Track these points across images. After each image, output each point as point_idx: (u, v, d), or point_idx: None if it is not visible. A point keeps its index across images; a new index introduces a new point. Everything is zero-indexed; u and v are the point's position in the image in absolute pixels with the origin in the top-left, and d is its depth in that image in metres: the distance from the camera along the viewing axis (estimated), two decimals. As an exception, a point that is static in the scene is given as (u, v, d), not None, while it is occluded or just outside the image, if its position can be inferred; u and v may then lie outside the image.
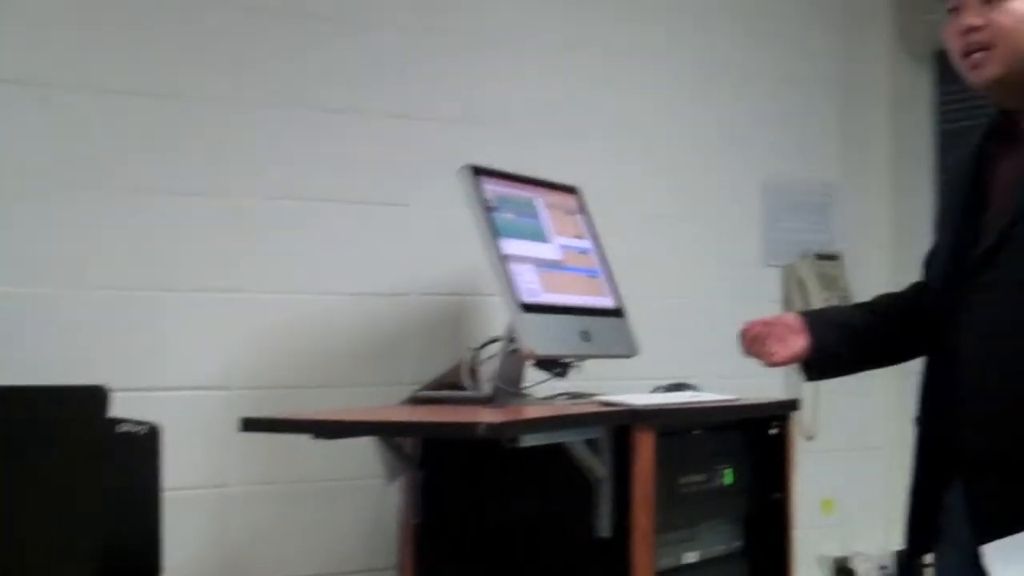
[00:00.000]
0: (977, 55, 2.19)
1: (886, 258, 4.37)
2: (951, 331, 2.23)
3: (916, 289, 2.50)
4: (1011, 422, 2.13)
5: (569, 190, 3.35)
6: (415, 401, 3.12)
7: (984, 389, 2.16)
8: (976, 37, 2.18)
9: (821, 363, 2.46)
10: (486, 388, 3.04)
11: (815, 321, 2.45)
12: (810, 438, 4.02)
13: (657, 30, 3.95)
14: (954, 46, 2.24)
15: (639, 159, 3.86)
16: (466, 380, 3.07)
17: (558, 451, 2.68)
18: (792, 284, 4.17)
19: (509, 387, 3.02)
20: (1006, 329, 2.15)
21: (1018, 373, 2.12)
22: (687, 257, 3.95)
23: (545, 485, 2.87)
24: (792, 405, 3.26)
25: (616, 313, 3.27)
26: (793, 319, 2.45)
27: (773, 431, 3.16)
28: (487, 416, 2.60)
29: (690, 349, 3.70)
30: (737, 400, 3.08)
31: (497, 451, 2.56)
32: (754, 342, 2.46)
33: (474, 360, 3.11)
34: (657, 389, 3.21)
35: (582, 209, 3.35)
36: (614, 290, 3.29)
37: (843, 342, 2.45)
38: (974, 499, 2.17)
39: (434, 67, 3.45)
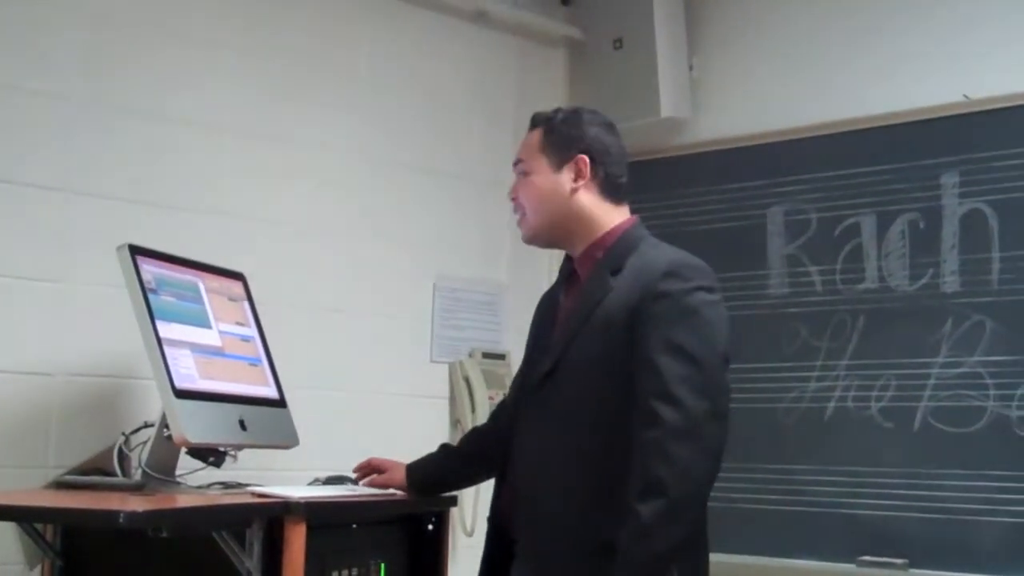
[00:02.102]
0: (519, 216, 2.76)
1: (551, 360, 4.46)
2: (513, 443, 2.70)
3: (499, 411, 3.08)
4: (539, 518, 2.58)
5: (235, 276, 3.31)
6: (60, 486, 2.99)
7: (527, 490, 2.63)
8: (515, 204, 2.76)
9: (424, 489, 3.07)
10: (136, 475, 2.94)
11: (416, 467, 3.06)
12: (469, 534, 4.05)
13: (335, 124, 3.97)
14: None
15: (310, 250, 3.85)
16: (115, 466, 2.97)
17: (208, 542, 2.61)
18: (458, 381, 4.22)
19: (161, 475, 2.94)
20: (545, 443, 2.61)
21: (545, 477, 2.58)
22: (354, 350, 3.94)
23: (194, 576, 2.80)
24: (451, 501, 3.28)
25: (277, 403, 3.24)
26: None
27: (430, 527, 3.16)
28: (131, 504, 2.52)
29: (353, 443, 3.67)
30: (395, 495, 3.07)
31: (143, 540, 2.48)
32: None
33: (125, 445, 3.01)
34: (315, 482, 3.18)
35: (247, 296, 3.31)
36: (276, 380, 3.26)
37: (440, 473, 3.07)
38: None
39: (99, 141, 3.35)
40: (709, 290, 2.54)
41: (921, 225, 3.82)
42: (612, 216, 2.70)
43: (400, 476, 3.05)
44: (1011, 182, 3.64)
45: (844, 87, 4.05)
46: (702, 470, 2.41)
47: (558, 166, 2.68)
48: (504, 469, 2.75)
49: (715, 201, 4.27)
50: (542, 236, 2.74)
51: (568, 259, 2.77)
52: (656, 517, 2.35)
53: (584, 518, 2.52)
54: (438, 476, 3.06)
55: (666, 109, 4.29)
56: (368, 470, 3.12)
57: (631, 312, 2.52)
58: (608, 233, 2.68)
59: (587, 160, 2.67)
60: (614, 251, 2.65)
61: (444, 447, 3.09)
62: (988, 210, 3.69)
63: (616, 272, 2.60)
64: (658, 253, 2.63)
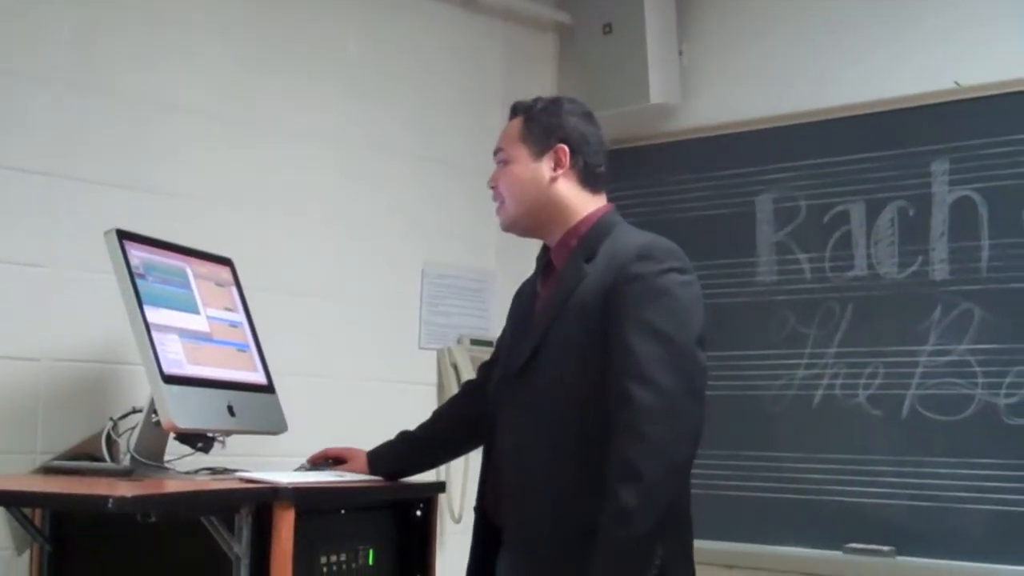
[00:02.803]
0: (497, 204, 2.78)
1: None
2: (495, 431, 2.74)
3: (463, 392, 3.17)
4: (524, 505, 2.62)
5: (223, 261, 3.29)
6: (48, 471, 2.98)
7: (511, 478, 2.66)
8: (495, 192, 2.78)
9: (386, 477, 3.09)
10: (125, 460, 2.93)
11: (376, 456, 3.10)
12: (457, 520, 4.05)
13: (324, 109, 3.95)
14: None
15: (298, 236, 3.83)
16: (103, 451, 2.96)
17: (196, 527, 2.60)
18: (446, 368, 4.22)
19: (149, 460, 2.93)
20: (527, 430, 2.63)
21: (529, 464, 2.61)
22: (342, 336, 3.94)
23: (182, 562, 2.79)
24: (439, 487, 3.28)
25: (265, 389, 3.23)
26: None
27: (418, 513, 3.16)
28: (120, 489, 2.51)
29: (341, 429, 3.66)
30: (383, 481, 3.07)
31: (131, 525, 2.47)
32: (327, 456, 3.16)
33: (113, 431, 3.01)
34: (302, 467, 3.17)
35: (235, 282, 3.30)
36: (264, 365, 3.25)
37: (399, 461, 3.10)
38: (508, 567, 2.69)
39: (87, 125, 3.32)
40: (681, 271, 2.56)
41: (910, 213, 3.82)
42: (589, 205, 2.73)
43: (362, 464, 3.09)
44: (1001, 169, 3.64)
45: (834, 74, 4.05)
46: (678, 449, 2.43)
47: (538, 155, 2.71)
48: (488, 457, 2.79)
49: (704, 188, 4.27)
50: (520, 224, 2.77)
51: (545, 249, 2.80)
52: (634, 499, 2.37)
53: (568, 503, 2.55)
54: (398, 464, 3.09)
55: (655, 95, 4.28)
56: (324, 459, 3.15)
57: (605, 296, 2.55)
58: (582, 221, 2.71)
59: (566, 149, 2.70)
60: (588, 238, 2.68)
61: (403, 434, 3.10)
62: (978, 198, 3.69)
63: (590, 259, 2.63)
64: (630, 237, 2.65)
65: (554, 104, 2.75)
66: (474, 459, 3.83)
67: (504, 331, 2.93)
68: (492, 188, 2.78)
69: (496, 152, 2.78)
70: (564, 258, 2.70)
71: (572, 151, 2.70)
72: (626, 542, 2.38)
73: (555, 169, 2.70)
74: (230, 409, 3.02)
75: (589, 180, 2.73)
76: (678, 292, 2.53)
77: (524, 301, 2.83)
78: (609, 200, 2.78)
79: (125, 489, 2.52)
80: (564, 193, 2.70)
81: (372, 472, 3.07)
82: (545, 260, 2.79)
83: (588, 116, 2.77)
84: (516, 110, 2.79)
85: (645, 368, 2.43)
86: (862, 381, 3.86)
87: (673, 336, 2.47)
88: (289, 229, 3.81)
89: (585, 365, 2.55)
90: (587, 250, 2.65)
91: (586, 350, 2.55)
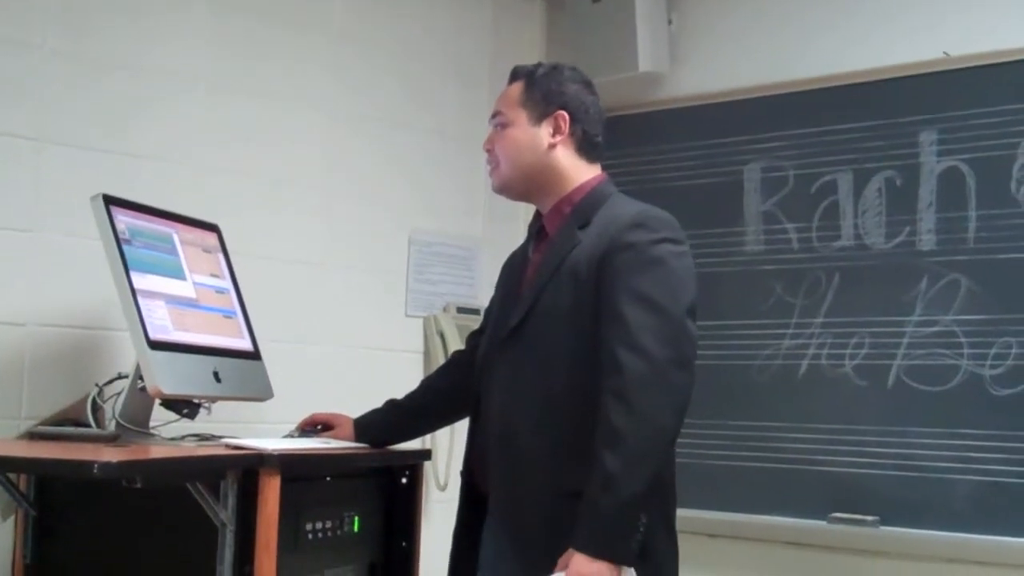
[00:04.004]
0: (491, 166, 2.78)
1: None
2: (482, 396, 2.74)
3: (452, 362, 3.18)
4: (509, 468, 2.62)
5: (210, 227, 3.28)
6: (33, 436, 2.97)
7: (497, 442, 2.66)
8: (490, 155, 2.78)
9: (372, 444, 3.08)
10: (110, 426, 2.93)
11: (363, 423, 3.10)
12: (442, 488, 4.06)
13: (311, 77, 3.93)
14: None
15: (285, 202, 3.82)
16: (89, 417, 2.95)
17: (182, 493, 2.60)
18: (433, 336, 4.21)
19: (135, 426, 2.93)
20: (514, 394, 2.64)
21: (515, 428, 2.61)
22: (328, 303, 3.93)
23: (168, 528, 2.78)
24: (425, 455, 3.28)
25: (251, 355, 3.22)
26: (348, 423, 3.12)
27: (404, 480, 3.16)
28: (106, 455, 2.50)
29: (327, 396, 3.67)
30: (369, 448, 3.07)
31: (117, 491, 2.47)
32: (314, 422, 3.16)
33: (99, 396, 3.00)
34: (290, 434, 3.17)
35: (222, 248, 3.29)
36: (250, 332, 3.24)
37: (386, 429, 3.10)
38: (494, 533, 2.71)
39: (74, 90, 3.30)
40: (675, 242, 2.58)
41: (898, 183, 3.82)
42: (584, 174, 2.74)
43: (348, 431, 3.09)
44: (989, 140, 3.64)
45: (823, 43, 4.04)
46: (665, 418, 2.44)
47: (537, 120, 2.71)
48: (475, 422, 2.80)
49: (692, 157, 4.26)
50: (513, 187, 2.77)
51: (537, 216, 2.80)
52: (619, 465, 2.38)
53: (554, 467, 2.56)
54: (384, 433, 3.09)
55: (644, 64, 4.27)
56: (312, 425, 3.16)
57: (598, 263, 2.56)
58: (577, 189, 2.72)
59: (566, 116, 2.71)
60: (582, 206, 2.69)
61: (390, 402, 3.11)
62: (965, 168, 3.69)
63: (584, 226, 2.65)
64: (625, 207, 2.67)
65: (555, 70, 2.75)
66: (460, 428, 3.83)
67: (492, 299, 2.94)
68: (487, 151, 2.78)
69: (494, 115, 2.78)
70: (557, 224, 2.71)
71: (572, 118, 2.71)
72: (610, 508, 2.38)
73: (554, 135, 2.71)
74: (216, 375, 3.02)
75: (586, 149, 2.74)
76: (671, 262, 2.54)
77: (515, 267, 2.84)
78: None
79: (110, 455, 2.51)
80: (561, 160, 2.71)
81: (358, 440, 3.07)
82: (538, 226, 2.79)
83: (588, 85, 2.77)
84: (517, 74, 2.78)
85: (636, 336, 2.44)
86: (848, 351, 3.86)
87: (665, 305, 2.47)
88: (276, 196, 3.80)
89: (574, 331, 2.56)
90: (581, 217, 2.66)
91: (576, 316, 2.56)
